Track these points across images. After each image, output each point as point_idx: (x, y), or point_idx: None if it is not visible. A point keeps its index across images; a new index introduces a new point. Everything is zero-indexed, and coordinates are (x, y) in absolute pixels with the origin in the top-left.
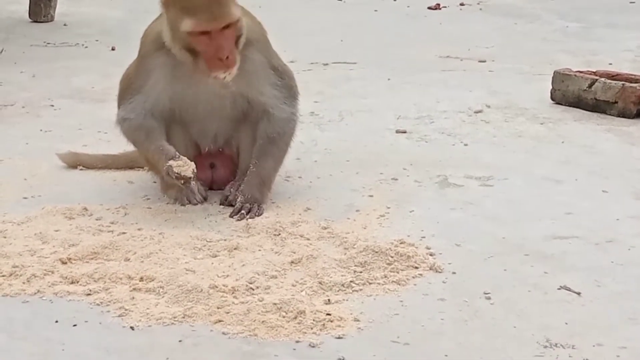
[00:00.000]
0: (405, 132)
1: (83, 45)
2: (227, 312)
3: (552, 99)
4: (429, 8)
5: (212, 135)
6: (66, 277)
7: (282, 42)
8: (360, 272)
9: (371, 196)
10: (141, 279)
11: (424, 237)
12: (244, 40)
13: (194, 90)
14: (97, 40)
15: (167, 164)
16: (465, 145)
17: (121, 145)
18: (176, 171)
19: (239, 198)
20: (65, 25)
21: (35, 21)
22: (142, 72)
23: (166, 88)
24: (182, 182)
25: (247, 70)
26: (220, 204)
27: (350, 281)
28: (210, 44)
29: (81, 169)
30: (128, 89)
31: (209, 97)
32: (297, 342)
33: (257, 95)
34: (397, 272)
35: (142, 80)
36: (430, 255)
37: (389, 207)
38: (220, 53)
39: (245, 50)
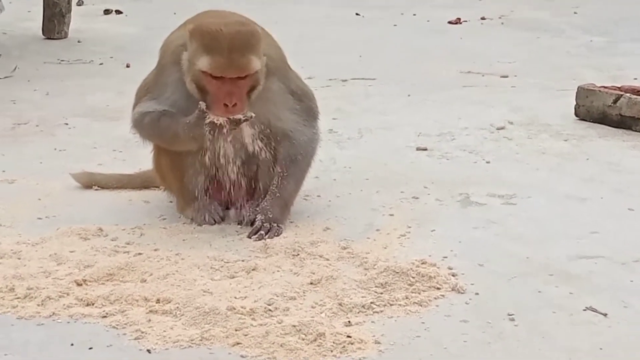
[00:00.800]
0: (426, 149)
1: (97, 62)
2: (246, 335)
3: (576, 115)
4: (449, 22)
5: (232, 160)
6: (82, 299)
7: (300, 58)
8: (381, 293)
9: (392, 215)
10: (158, 301)
11: (445, 257)
12: (258, 90)
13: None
14: (111, 57)
15: (207, 121)
16: (488, 162)
17: (136, 164)
18: (219, 121)
19: (258, 217)
20: (79, 42)
21: (49, 38)
22: (159, 82)
23: (181, 105)
24: (234, 125)
25: (265, 98)
26: (238, 224)
27: (371, 302)
28: (220, 87)
29: (96, 189)
30: (145, 94)
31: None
32: None
33: (275, 121)
34: (419, 293)
35: (159, 90)
36: (453, 275)
37: (409, 227)
38: (228, 100)
39: (266, 81)
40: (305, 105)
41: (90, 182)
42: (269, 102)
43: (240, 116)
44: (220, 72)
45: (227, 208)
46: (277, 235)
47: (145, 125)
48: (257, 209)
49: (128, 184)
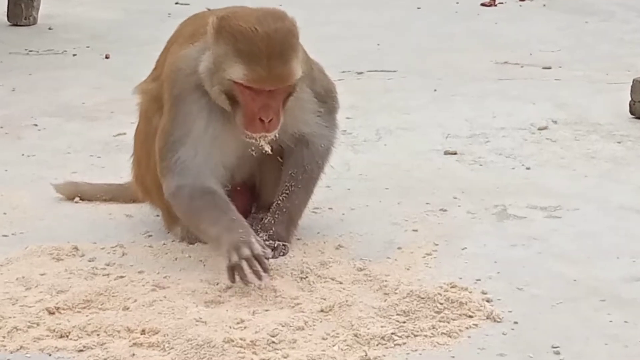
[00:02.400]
0: (455, 153)
1: (71, 52)
2: None
3: (631, 112)
4: (482, 5)
5: (235, 168)
6: (54, 330)
7: (309, 47)
8: (404, 322)
9: (415, 231)
10: (143, 332)
11: (479, 280)
12: (294, 98)
13: (238, 142)
14: (87, 47)
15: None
16: (528, 169)
17: (117, 172)
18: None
19: (260, 235)
20: (50, 29)
21: (15, 25)
22: (181, 118)
23: (216, 137)
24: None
25: (293, 107)
26: None
27: (392, 333)
28: (255, 100)
29: (76, 202)
30: (166, 144)
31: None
32: None
33: (301, 127)
34: (448, 322)
35: (184, 128)
36: (487, 301)
37: (436, 244)
38: (264, 114)
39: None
40: (329, 106)
41: (75, 194)
42: (296, 110)
43: (273, 135)
44: (259, 85)
45: None
46: (283, 255)
47: (182, 205)
48: (260, 224)
49: (119, 196)
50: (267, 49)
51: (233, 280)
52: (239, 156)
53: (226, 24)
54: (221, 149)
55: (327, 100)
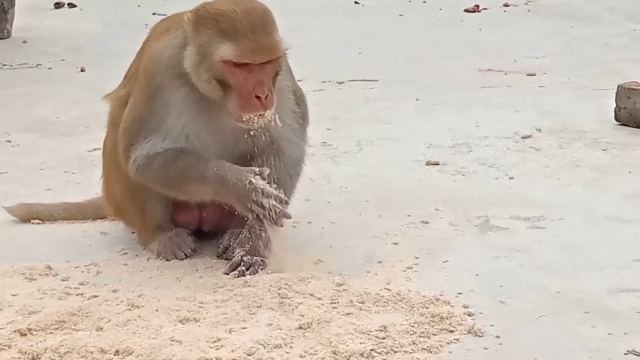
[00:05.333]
0: (437, 164)
1: (46, 66)
2: None
3: (616, 119)
4: (466, 11)
5: None
6: (26, 352)
7: (289, 56)
8: (383, 338)
9: (396, 244)
10: (117, 353)
11: (460, 294)
12: (280, 77)
13: (215, 128)
14: (63, 60)
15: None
16: (511, 178)
17: (93, 188)
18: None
19: (237, 251)
20: (24, 42)
21: None
22: (157, 107)
23: (187, 126)
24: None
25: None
26: (217, 257)
27: (371, 350)
28: (248, 78)
29: (38, 223)
30: (140, 131)
31: (229, 134)
32: None
33: (276, 126)
34: (428, 337)
35: (159, 117)
36: (469, 315)
37: (417, 257)
38: (260, 90)
39: None
40: (302, 110)
41: (30, 215)
42: (277, 104)
43: (270, 113)
44: (249, 58)
45: (199, 230)
46: (260, 271)
47: (156, 170)
48: (235, 239)
49: (77, 214)
50: (250, 24)
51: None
52: (217, 146)
53: (203, 12)
54: (197, 138)
55: (300, 103)
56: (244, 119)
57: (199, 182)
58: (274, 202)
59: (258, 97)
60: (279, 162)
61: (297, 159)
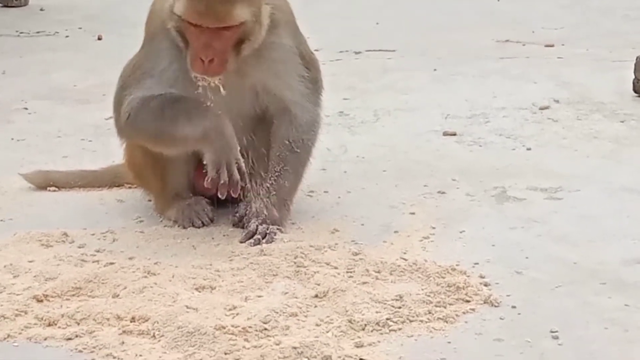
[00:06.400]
0: (454, 134)
1: (63, 34)
2: (237, 359)
3: (634, 90)
4: None
5: None
6: (42, 319)
7: (305, 25)
8: (399, 307)
9: (413, 214)
10: (132, 320)
11: (477, 264)
12: (251, 47)
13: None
14: (80, 28)
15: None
16: (529, 149)
17: (109, 156)
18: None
19: (252, 220)
20: (41, 10)
21: (6, 6)
22: (151, 54)
23: (179, 74)
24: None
25: (274, 59)
26: (233, 226)
27: (387, 319)
28: (198, 38)
29: (53, 190)
30: (134, 74)
31: (230, 90)
32: None
33: (282, 89)
34: (444, 307)
35: (152, 62)
36: (485, 285)
37: (434, 227)
38: (203, 54)
39: (272, 35)
40: (312, 75)
41: (46, 182)
42: (278, 64)
43: (216, 80)
44: (196, 19)
45: (216, 199)
46: (276, 240)
47: (149, 112)
48: (251, 209)
49: (93, 182)
50: None
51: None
52: (219, 102)
53: None
54: (192, 89)
55: (310, 68)
56: (193, 75)
57: (194, 122)
58: (239, 179)
59: (203, 61)
60: (289, 125)
61: (308, 122)
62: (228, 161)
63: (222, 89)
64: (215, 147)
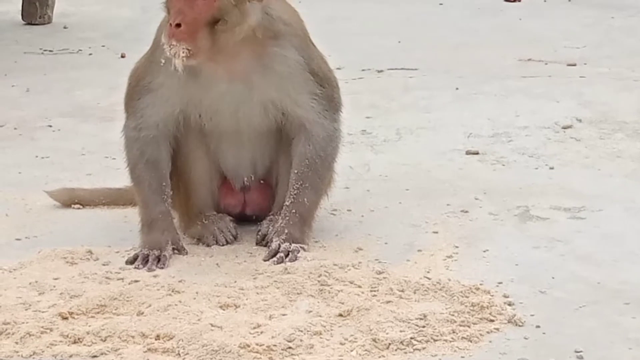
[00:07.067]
0: (477, 153)
1: (87, 52)
2: None
3: None
4: (506, 0)
5: (246, 162)
6: (67, 336)
7: (327, 44)
8: (423, 326)
9: (436, 233)
10: (157, 337)
11: (500, 283)
12: (229, 35)
13: (214, 93)
14: (103, 46)
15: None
16: (552, 168)
17: None
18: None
19: (275, 239)
20: (65, 27)
21: (30, 23)
22: (153, 64)
23: (180, 85)
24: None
25: (278, 71)
26: (256, 244)
27: (411, 338)
28: (175, 3)
29: (78, 208)
30: (137, 86)
31: (232, 102)
32: None
33: (291, 105)
34: (469, 327)
35: (153, 74)
36: (509, 305)
37: (457, 246)
38: (173, 17)
39: (276, 45)
40: (327, 92)
41: (71, 200)
42: (283, 77)
43: (182, 48)
44: None
45: (242, 215)
46: (299, 258)
47: (126, 146)
48: (273, 228)
49: (118, 199)
50: None
51: (131, 262)
52: (228, 118)
53: None
54: (196, 103)
55: (324, 85)
56: (162, 43)
57: (140, 203)
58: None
59: (171, 25)
60: (305, 141)
61: (326, 138)
62: (152, 257)
63: (186, 64)
64: (152, 238)
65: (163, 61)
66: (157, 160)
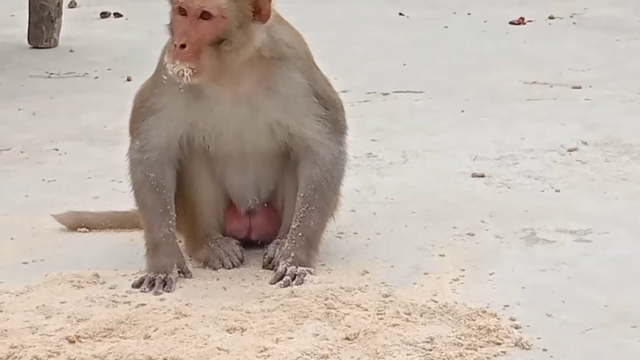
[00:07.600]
0: (483, 176)
1: (93, 75)
2: None
3: None
4: (511, 23)
5: (251, 185)
6: None
7: (333, 67)
8: (430, 350)
9: (442, 256)
10: None
11: (507, 306)
12: (233, 56)
13: (218, 114)
14: (109, 69)
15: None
16: (557, 191)
17: None
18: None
19: (281, 262)
20: (71, 51)
21: (36, 47)
22: (157, 85)
23: (184, 106)
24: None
25: (282, 92)
26: (263, 267)
27: None
28: (179, 25)
29: (85, 231)
30: (141, 108)
31: (236, 124)
32: None
33: (297, 127)
34: (475, 350)
35: (157, 96)
36: (516, 328)
37: (463, 269)
38: (178, 38)
39: (280, 67)
40: (332, 115)
41: (78, 223)
42: (288, 99)
43: (185, 67)
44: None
45: (248, 239)
46: (306, 281)
47: (131, 171)
48: (279, 251)
49: (124, 223)
50: None
51: (137, 286)
52: (234, 141)
53: None
54: (202, 125)
55: (329, 107)
56: (166, 66)
57: (145, 226)
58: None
59: (175, 46)
60: (312, 164)
61: (331, 161)
62: (159, 280)
63: (189, 83)
64: (158, 262)
65: (165, 78)
66: (161, 182)
